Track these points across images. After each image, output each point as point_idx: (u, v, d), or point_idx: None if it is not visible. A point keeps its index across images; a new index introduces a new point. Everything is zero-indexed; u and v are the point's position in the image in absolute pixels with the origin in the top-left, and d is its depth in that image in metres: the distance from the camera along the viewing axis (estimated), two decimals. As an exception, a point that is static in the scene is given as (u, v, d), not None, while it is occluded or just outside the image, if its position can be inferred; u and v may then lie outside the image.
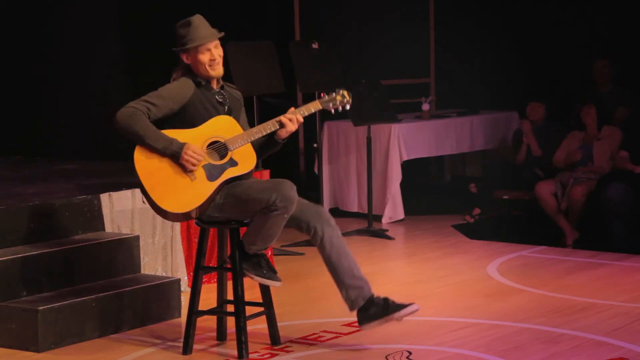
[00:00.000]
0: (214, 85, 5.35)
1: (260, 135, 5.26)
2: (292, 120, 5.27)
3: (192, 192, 5.13)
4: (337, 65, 8.64)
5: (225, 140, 5.22)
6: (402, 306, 5.28)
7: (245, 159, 5.24)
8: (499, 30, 10.28)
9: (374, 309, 5.27)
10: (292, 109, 5.33)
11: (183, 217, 5.24)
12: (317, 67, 8.52)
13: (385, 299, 5.30)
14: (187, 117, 5.23)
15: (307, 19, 10.23)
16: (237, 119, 5.38)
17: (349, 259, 5.29)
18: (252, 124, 5.63)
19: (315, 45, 8.57)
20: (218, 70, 5.31)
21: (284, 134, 5.30)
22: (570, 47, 9.94)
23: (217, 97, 5.32)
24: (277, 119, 5.27)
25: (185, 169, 5.13)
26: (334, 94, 5.44)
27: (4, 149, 9.25)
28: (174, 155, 5.11)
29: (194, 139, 5.18)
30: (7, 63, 10.08)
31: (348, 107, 5.47)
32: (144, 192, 5.15)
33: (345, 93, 5.45)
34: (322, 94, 5.46)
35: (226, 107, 5.34)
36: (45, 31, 10.06)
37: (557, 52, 10.06)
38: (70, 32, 9.96)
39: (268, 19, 10.09)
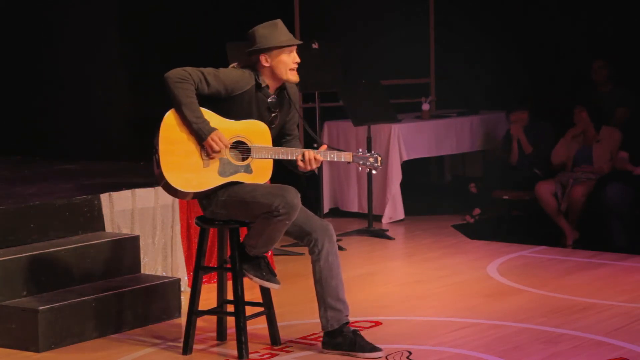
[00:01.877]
0: (271, 90, 5.30)
1: (285, 158, 5.23)
2: (313, 159, 5.21)
3: (199, 176, 5.12)
4: (337, 65, 8.64)
5: (252, 145, 5.20)
6: (367, 347, 5.26)
7: (261, 172, 5.23)
8: (499, 30, 10.27)
9: (341, 339, 5.28)
10: (325, 146, 5.31)
11: (175, 193, 5.19)
12: (317, 67, 8.51)
13: (355, 332, 5.31)
14: (230, 107, 5.19)
15: (307, 19, 10.22)
16: (284, 120, 5.33)
17: (338, 279, 5.29)
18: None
19: (315, 45, 8.56)
20: (296, 75, 5.31)
21: (302, 167, 5.25)
22: (570, 47, 9.94)
23: (268, 99, 5.28)
24: (303, 151, 5.23)
25: (203, 154, 5.12)
26: (368, 154, 5.41)
27: (4, 149, 9.25)
28: (200, 132, 5.06)
29: (224, 128, 5.15)
30: (7, 63, 10.09)
31: (374, 172, 5.48)
32: (156, 153, 5.10)
33: (379, 159, 5.43)
34: (360, 149, 5.48)
35: (273, 114, 5.29)
36: (46, 31, 10.06)
37: (557, 52, 10.06)
38: (71, 32, 9.97)
39: (268, 19, 10.07)
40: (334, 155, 5.32)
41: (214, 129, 5.09)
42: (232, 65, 5.35)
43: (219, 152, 5.12)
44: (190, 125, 5.08)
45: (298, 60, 5.31)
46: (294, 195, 5.10)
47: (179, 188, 5.12)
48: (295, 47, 5.30)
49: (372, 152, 5.47)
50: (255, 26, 5.33)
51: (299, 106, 5.45)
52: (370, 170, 5.44)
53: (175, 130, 5.10)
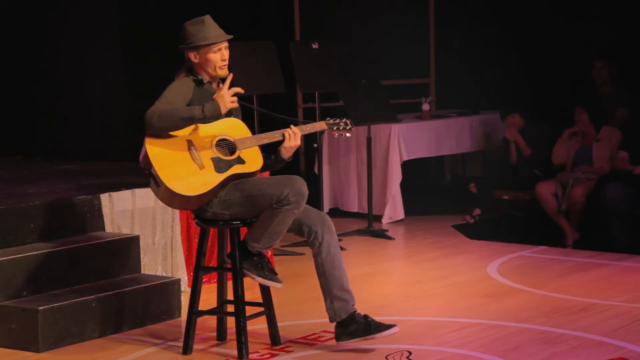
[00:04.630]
0: (214, 86, 5.37)
1: (268, 142, 5.29)
2: (292, 135, 5.30)
3: (200, 178, 5.14)
4: (337, 65, 8.64)
5: (235, 139, 5.26)
6: (383, 326, 5.29)
7: (252, 160, 5.27)
8: (498, 30, 10.28)
9: (355, 326, 5.29)
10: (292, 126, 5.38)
11: (182, 203, 5.22)
12: (317, 67, 8.51)
13: (366, 317, 5.32)
14: None
15: (307, 19, 10.23)
16: (237, 116, 5.42)
17: (341, 270, 5.30)
18: (250, 125, 5.63)
19: (315, 45, 8.57)
20: (225, 70, 5.33)
21: (284, 151, 5.33)
22: (570, 47, 9.94)
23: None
24: (282, 130, 5.33)
25: (195, 157, 5.13)
26: (339, 120, 5.58)
27: (4, 149, 9.25)
28: (215, 111, 5.08)
29: (204, 134, 5.21)
30: (7, 63, 10.09)
31: (348, 135, 5.64)
32: (152, 170, 5.11)
33: (349, 122, 5.61)
34: (328, 117, 5.63)
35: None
36: (46, 32, 10.07)
37: (557, 52, 10.06)
38: (71, 33, 9.97)
39: (268, 19, 10.09)
40: (309, 128, 5.46)
41: (212, 101, 5.12)
42: (178, 73, 5.37)
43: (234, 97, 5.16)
44: (200, 119, 5.11)
45: (225, 57, 5.32)
46: (301, 184, 5.14)
47: (186, 194, 5.10)
48: (224, 44, 5.30)
49: (342, 118, 5.60)
50: (185, 23, 5.35)
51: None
52: (344, 134, 5.58)
53: (160, 144, 5.15)
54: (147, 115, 5.11)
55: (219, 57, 5.29)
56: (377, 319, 5.99)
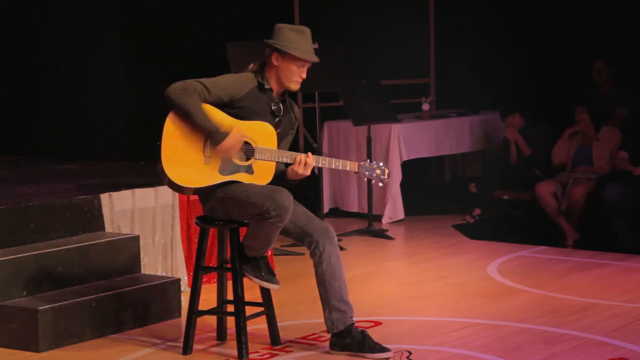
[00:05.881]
0: (275, 95, 5.32)
1: (288, 161, 5.22)
2: (301, 163, 5.21)
3: (199, 172, 5.13)
4: (337, 65, 8.64)
5: (256, 147, 5.20)
6: (377, 347, 5.26)
7: (262, 174, 5.23)
8: (499, 30, 10.28)
9: (349, 340, 5.27)
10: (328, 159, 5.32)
11: (177, 188, 5.22)
12: (317, 67, 8.49)
13: (363, 333, 5.30)
14: (235, 112, 5.18)
15: (307, 19, 10.23)
16: (282, 137, 5.32)
17: (341, 281, 5.28)
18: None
19: (315, 45, 8.55)
20: (298, 86, 5.31)
21: (290, 173, 5.26)
22: (570, 47, 9.94)
23: (272, 106, 5.28)
24: (297, 155, 5.23)
25: (206, 151, 5.11)
26: (375, 165, 5.39)
27: (4, 149, 9.26)
28: (217, 139, 5.06)
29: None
30: (7, 63, 10.09)
31: (381, 184, 5.43)
32: (159, 148, 5.11)
33: (387, 172, 5.39)
34: (366, 159, 5.44)
35: (277, 119, 5.29)
36: (46, 32, 10.07)
37: (557, 52, 10.06)
38: (71, 34, 9.97)
39: (268, 19, 10.09)
40: (339, 164, 5.30)
41: (226, 134, 5.08)
42: (253, 64, 5.33)
43: (237, 148, 5.12)
44: (202, 130, 5.08)
45: (304, 76, 5.30)
46: (285, 197, 5.09)
47: (178, 183, 5.12)
48: (309, 63, 5.28)
49: (380, 163, 5.41)
50: (282, 23, 5.30)
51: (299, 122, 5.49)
52: (378, 182, 5.38)
53: (180, 125, 5.11)
54: (176, 86, 5.07)
55: (299, 73, 5.27)
56: (378, 319, 6.00)
